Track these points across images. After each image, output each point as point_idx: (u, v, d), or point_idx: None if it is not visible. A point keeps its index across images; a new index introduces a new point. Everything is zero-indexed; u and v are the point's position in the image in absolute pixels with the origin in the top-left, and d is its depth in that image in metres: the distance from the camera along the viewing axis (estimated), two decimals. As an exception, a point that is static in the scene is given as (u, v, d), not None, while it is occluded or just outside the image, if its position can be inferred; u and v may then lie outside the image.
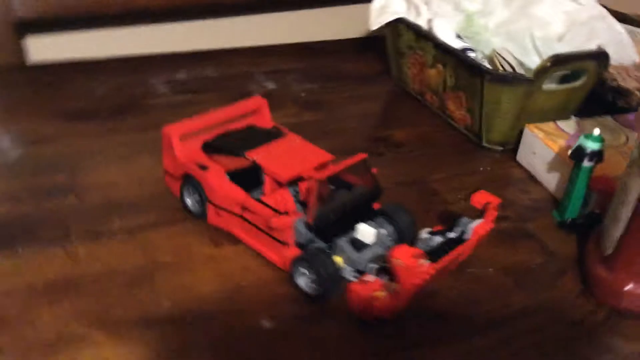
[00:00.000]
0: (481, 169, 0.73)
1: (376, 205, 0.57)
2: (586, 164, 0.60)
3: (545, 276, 0.57)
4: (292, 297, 0.52)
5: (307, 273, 0.51)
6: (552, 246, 0.61)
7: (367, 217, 0.55)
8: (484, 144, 0.77)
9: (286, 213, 0.52)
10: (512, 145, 0.76)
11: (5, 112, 0.80)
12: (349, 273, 0.52)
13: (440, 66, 0.81)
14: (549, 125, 0.73)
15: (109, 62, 0.93)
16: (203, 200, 0.58)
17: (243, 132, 0.63)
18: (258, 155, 0.56)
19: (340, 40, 1.07)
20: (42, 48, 0.95)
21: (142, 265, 0.54)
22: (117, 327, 0.48)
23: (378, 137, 0.78)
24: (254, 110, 0.66)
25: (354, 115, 0.84)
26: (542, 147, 0.70)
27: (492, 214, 0.54)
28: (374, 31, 0.89)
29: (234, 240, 0.57)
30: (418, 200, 0.67)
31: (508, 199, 0.66)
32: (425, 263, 0.46)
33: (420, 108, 0.87)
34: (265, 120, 0.66)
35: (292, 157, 0.56)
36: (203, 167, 0.57)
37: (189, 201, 0.60)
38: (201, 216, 0.60)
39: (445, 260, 0.50)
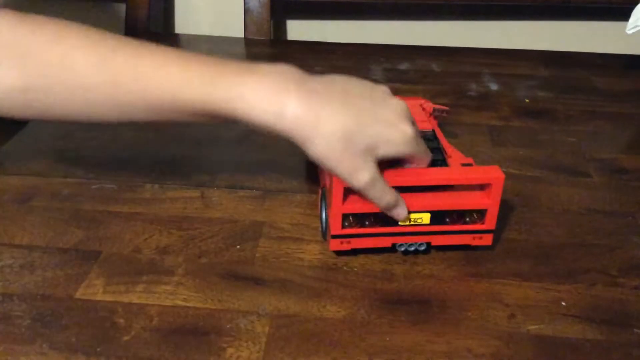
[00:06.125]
0: None
1: None
2: None
3: None
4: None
5: None
6: None
7: None
8: None
9: None
10: None
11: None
12: None
13: None
14: None
15: (341, 46, 0.92)
16: None
17: None
18: None
19: (601, 53, 0.90)
20: (299, 30, 1.01)
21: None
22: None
23: (594, 158, 0.63)
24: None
25: (581, 131, 0.69)
26: None
27: None
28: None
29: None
30: (610, 233, 0.51)
31: None
32: None
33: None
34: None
35: None
36: None
37: None
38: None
39: None
